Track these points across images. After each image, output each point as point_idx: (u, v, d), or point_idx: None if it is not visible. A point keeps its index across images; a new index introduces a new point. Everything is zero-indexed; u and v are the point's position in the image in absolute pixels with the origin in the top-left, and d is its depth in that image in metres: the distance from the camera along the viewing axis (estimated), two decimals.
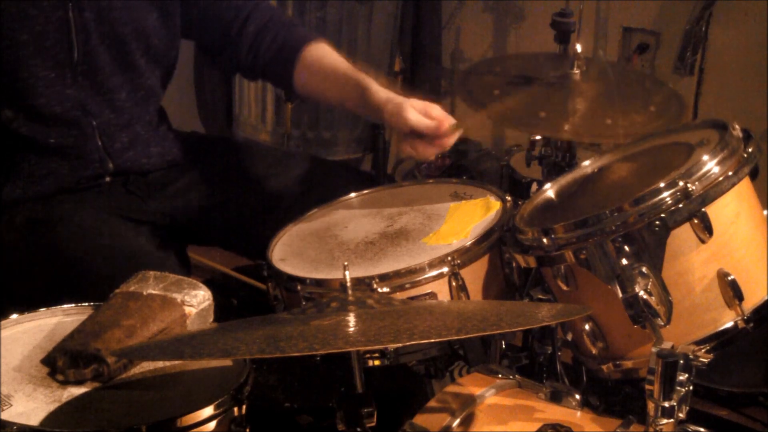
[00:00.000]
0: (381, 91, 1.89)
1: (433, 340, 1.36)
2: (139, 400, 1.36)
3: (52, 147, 1.93)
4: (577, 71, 1.98)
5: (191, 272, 2.10)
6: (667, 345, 1.29)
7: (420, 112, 1.81)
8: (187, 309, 1.51)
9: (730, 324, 1.51)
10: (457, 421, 1.42)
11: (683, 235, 1.48)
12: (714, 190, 1.48)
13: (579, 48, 2.00)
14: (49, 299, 1.59)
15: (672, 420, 1.28)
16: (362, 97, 1.92)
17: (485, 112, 1.98)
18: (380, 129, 3.09)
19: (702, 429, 1.45)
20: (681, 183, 1.46)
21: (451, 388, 1.51)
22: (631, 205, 1.48)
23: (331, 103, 2.23)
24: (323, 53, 2.04)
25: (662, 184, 1.47)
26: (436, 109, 1.83)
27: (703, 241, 1.48)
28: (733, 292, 1.49)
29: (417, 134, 1.82)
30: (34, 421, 1.29)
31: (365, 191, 1.97)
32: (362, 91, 1.91)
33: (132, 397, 1.36)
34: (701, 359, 1.30)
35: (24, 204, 1.93)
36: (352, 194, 1.95)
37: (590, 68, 2.01)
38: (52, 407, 1.32)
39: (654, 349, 1.28)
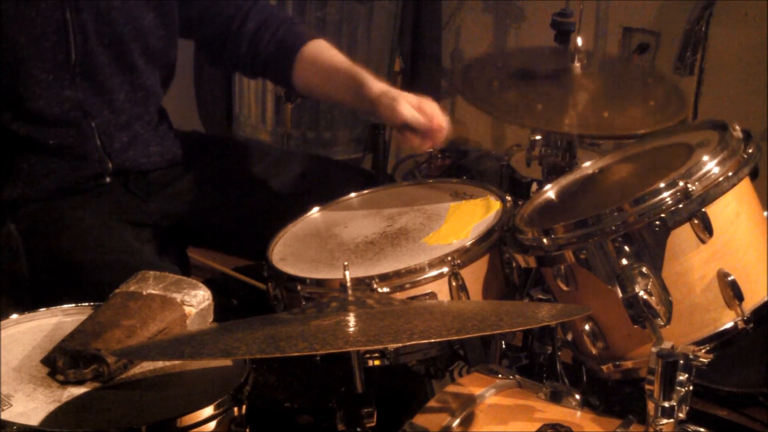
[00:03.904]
0: (376, 85, 1.91)
1: (433, 340, 1.36)
2: (139, 400, 1.36)
3: (51, 148, 1.93)
4: (577, 64, 1.98)
5: (191, 272, 2.10)
6: (667, 345, 1.29)
7: (413, 107, 1.83)
8: (187, 309, 1.51)
9: (730, 324, 1.51)
10: (457, 421, 1.42)
11: (683, 235, 1.48)
12: (714, 191, 1.48)
13: (580, 41, 2.00)
14: (50, 299, 1.59)
15: (672, 420, 1.28)
16: (358, 92, 1.93)
17: (485, 110, 1.98)
18: (380, 129, 3.08)
19: (702, 429, 1.45)
20: (681, 183, 1.46)
21: (451, 388, 1.51)
22: (631, 205, 1.48)
23: (329, 98, 2.24)
24: (321, 49, 2.05)
25: (662, 185, 1.48)
26: (429, 105, 1.85)
27: (703, 241, 1.48)
28: (733, 292, 1.49)
29: (411, 128, 1.83)
30: (34, 421, 1.29)
31: (365, 191, 1.97)
32: (358, 85, 1.93)
33: (132, 397, 1.36)
34: (701, 359, 1.30)
35: (24, 205, 1.93)
36: (352, 194, 1.95)
37: (591, 63, 2.01)
38: (52, 407, 1.32)
39: (654, 349, 1.28)
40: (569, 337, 1.65)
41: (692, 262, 1.49)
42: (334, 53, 2.05)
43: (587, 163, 1.81)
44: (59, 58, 1.88)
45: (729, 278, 1.49)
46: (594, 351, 1.59)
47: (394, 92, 1.87)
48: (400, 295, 1.59)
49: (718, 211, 1.49)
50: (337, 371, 2.18)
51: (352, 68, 1.99)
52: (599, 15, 3.17)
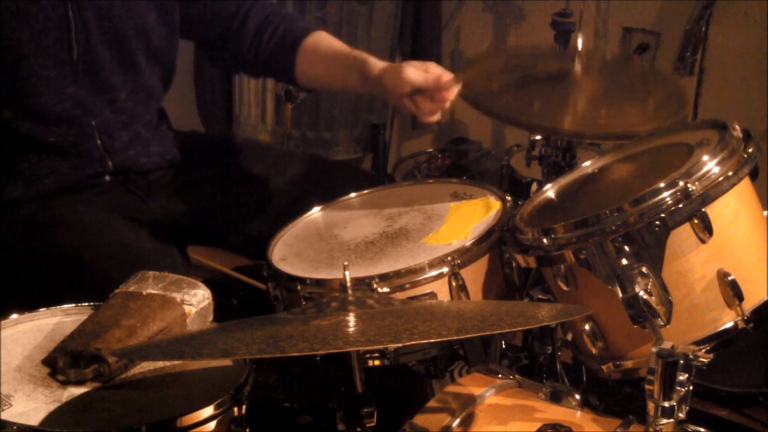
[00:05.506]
0: (379, 62, 1.93)
1: (433, 340, 1.36)
2: (139, 400, 1.36)
3: (52, 146, 1.93)
4: (578, 64, 1.98)
5: (191, 272, 2.10)
6: (667, 345, 1.29)
7: (418, 69, 1.84)
8: (187, 308, 1.51)
9: (730, 324, 1.51)
10: (457, 421, 1.42)
11: (683, 235, 1.48)
12: (714, 190, 1.48)
13: (580, 42, 2.00)
14: (50, 299, 1.59)
15: (672, 420, 1.28)
16: (361, 73, 1.94)
17: (484, 111, 1.98)
18: (380, 129, 3.09)
19: (702, 429, 1.45)
20: (681, 183, 1.46)
21: (451, 388, 1.51)
22: (631, 205, 1.48)
23: (333, 87, 2.25)
24: (321, 39, 2.07)
25: (662, 184, 1.47)
26: (433, 66, 1.86)
27: (703, 241, 1.48)
28: (733, 292, 1.49)
29: (418, 92, 1.84)
30: (34, 421, 1.29)
31: (365, 191, 1.97)
32: (360, 66, 1.94)
33: (132, 397, 1.36)
34: (701, 359, 1.30)
35: (24, 204, 1.93)
36: (352, 194, 1.95)
37: (591, 63, 2.01)
38: (52, 407, 1.32)
39: (654, 349, 1.28)
40: (569, 337, 1.65)
41: (692, 262, 1.49)
42: (333, 42, 2.06)
43: (587, 163, 1.81)
44: (61, 55, 1.88)
45: (729, 278, 1.49)
46: (594, 351, 1.59)
47: (397, 63, 1.89)
48: (400, 295, 1.59)
49: (718, 211, 1.49)
50: (337, 371, 2.17)
51: (352, 53, 2.00)
52: (599, 15, 3.17)
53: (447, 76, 1.83)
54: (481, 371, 1.56)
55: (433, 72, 1.84)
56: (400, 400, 1.79)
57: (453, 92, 1.84)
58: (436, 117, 1.87)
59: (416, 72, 1.84)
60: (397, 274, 1.61)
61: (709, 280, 1.50)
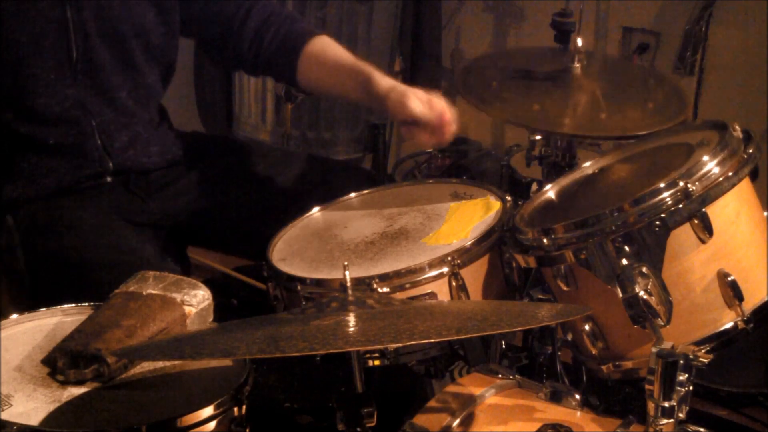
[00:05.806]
0: (384, 80, 1.91)
1: (433, 340, 1.36)
2: (139, 400, 1.36)
3: (51, 147, 1.93)
4: (577, 65, 1.99)
5: (191, 272, 2.10)
6: (667, 345, 1.29)
7: (423, 103, 1.82)
8: (187, 309, 1.51)
9: (730, 324, 1.51)
10: (457, 421, 1.42)
11: (683, 235, 1.48)
12: (714, 191, 1.48)
13: (580, 42, 2.00)
14: (50, 299, 1.59)
15: (672, 420, 1.28)
16: (365, 88, 1.93)
17: (485, 110, 1.99)
18: (380, 129, 3.08)
19: (702, 429, 1.45)
20: (681, 183, 1.46)
21: (451, 388, 1.51)
22: (631, 205, 1.48)
23: (334, 95, 2.25)
24: (325, 46, 2.06)
25: (662, 184, 1.48)
26: (438, 101, 1.84)
27: (703, 242, 1.48)
28: (733, 292, 1.49)
29: (418, 123, 1.83)
30: (34, 421, 1.29)
31: (365, 191, 1.97)
32: (365, 81, 1.93)
33: (132, 397, 1.36)
34: (701, 359, 1.30)
35: (24, 204, 1.93)
36: (352, 194, 1.95)
37: (591, 63, 2.01)
38: (52, 407, 1.32)
39: (654, 349, 1.28)
40: (569, 337, 1.65)
41: (692, 262, 1.49)
42: (339, 50, 2.05)
43: (587, 163, 1.81)
44: (60, 56, 1.88)
45: (729, 278, 1.49)
46: (594, 351, 1.59)
47: (403, 88, 1.87)
48: (400, 295, 1.59)
49: (718, 211, 1.49)
50: (337, 371, 2.17)
51: (358, 65, 1.99)
52: (599, 15, 3.17)
53: (448, 115, 1.82)
54: (481, 371, 1.56)
55: (437, 108, 1.82)
56: (400, 400, 1.79)
57: (452, 130, 1.83)
58: (429, 146, 1.87)
59: (419, 106, 1.82)
60: (397, 274, 1.61)
61: (709, 281, 1.50)
